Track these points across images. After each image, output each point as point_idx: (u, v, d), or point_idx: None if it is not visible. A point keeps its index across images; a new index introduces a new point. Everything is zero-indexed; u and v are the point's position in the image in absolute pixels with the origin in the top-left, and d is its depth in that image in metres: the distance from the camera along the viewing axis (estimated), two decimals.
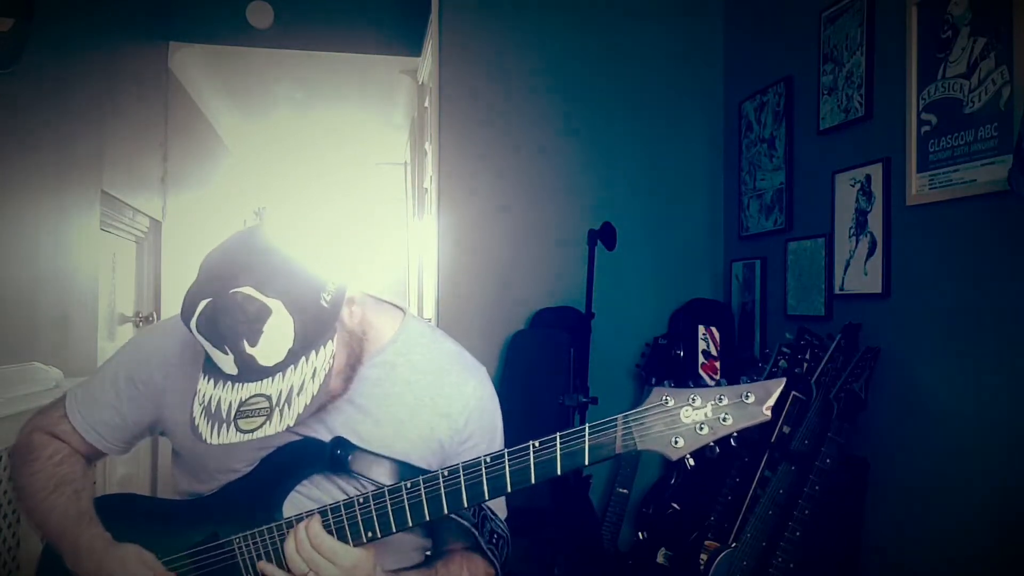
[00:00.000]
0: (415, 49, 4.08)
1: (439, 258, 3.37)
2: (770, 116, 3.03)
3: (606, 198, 3.33)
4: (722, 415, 1.03)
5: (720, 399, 1.03)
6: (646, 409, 1.05)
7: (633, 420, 1.04)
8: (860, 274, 2.44)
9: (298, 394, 1.06)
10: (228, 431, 1.05)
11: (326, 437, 1.21)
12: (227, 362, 1.05)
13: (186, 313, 1.06)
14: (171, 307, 4.10)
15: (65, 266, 2.79)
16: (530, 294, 3.32)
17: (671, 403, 1.04)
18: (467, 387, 1.27)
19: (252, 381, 1.06)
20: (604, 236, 2.80)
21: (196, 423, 1.07)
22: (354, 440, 1.21)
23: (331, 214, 8.19)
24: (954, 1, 2.06)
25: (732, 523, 2.44)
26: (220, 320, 1.03)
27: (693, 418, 1.03)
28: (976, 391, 2.01)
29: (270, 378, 1.06)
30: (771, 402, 1.03)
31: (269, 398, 1.05)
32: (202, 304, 1.04)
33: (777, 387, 1.03)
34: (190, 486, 1.31)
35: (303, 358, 1.07)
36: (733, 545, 2.31)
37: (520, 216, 3.36)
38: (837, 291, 2.56)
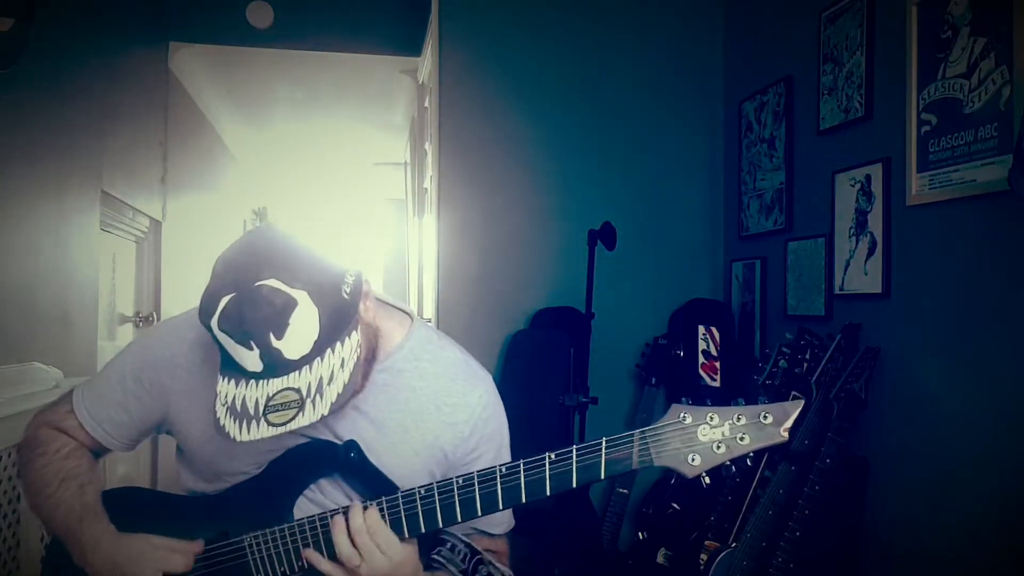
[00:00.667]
0: (415, 49, 4.08)
1: (439, 258, 3.37)
2: (770, 116, 3.03)
3: (606, 198, 3.33)
4: (739, 435, 1.04)
5: (738, 419, 1.04)
6: (663, 425, 1.05)
7: (650, 436, 1.05)
8: (860, 274, 2.44)
9: (328, 384, 1.05)
10: (259, 427, 1.04)
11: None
12: (251, 358, 1.03)
13: (205, 312, 1.04)
14: (171, 307, 4.10)
15: (65, 266, 2.79)
16: (530, 294, 3.32)
17: (689, 420, 1.05)
18: (473, 396, 1.26)
19: (277, 376, 1.04)
20: (604, 236, 2.80)
21: (222, 423, 1.05)
22: None
23: (331, 214, 8.19)
24: (954, 1, 2.06)
25: (732, 523, 2.44)
26: (246, 314, 1.01)
27: (710, 436, 1.04)
28: (976, 391, 2.01)
29: (297, 372, 1.04)
30: (789, 424, 1.04)
31: (299, 390, 1.04)
32: (224, 300, 1.03)
33: (795, 409, 1.04)
34: (195, 485, 1.31)
35: (328, 349, 1.06)
36: (733, 545, 2.32)
37: (520, 216, 3.36)
38: (837, 291, 2.56)
